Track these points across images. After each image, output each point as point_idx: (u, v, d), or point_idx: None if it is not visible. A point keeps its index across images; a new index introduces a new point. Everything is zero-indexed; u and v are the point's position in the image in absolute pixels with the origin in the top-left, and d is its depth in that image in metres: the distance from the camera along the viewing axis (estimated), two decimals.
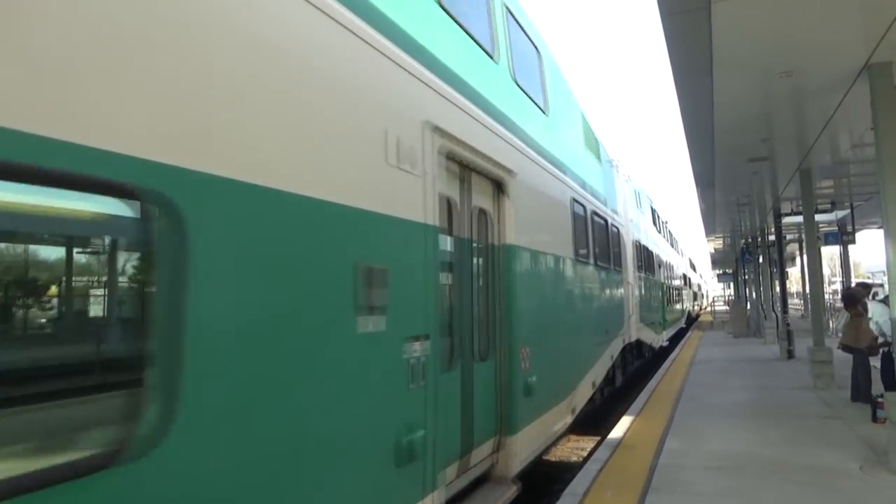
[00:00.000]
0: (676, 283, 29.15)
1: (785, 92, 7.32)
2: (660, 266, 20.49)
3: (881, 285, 34.64)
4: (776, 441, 7.24)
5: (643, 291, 15.51)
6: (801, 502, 5.16)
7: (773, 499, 5.27)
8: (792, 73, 6.66)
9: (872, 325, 8.93)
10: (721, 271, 51.39)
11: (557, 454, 9.45)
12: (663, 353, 18.83)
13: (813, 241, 12.84)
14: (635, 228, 15.00)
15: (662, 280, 20.97)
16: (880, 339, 8.69)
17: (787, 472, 6.01)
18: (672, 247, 28.91)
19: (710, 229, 25.58)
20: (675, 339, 24.32)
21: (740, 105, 7.87)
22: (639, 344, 14.40)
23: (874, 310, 9.08)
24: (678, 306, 29.12)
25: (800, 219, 14.61)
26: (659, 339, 18.17)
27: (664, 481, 5.85)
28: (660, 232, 22.36)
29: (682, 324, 30.39)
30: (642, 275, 15.43)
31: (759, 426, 8.05)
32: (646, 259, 16.78)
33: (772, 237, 19.66)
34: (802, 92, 7.32)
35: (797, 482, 5.67)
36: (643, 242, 16.39)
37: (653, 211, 20.65)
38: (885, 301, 8.92)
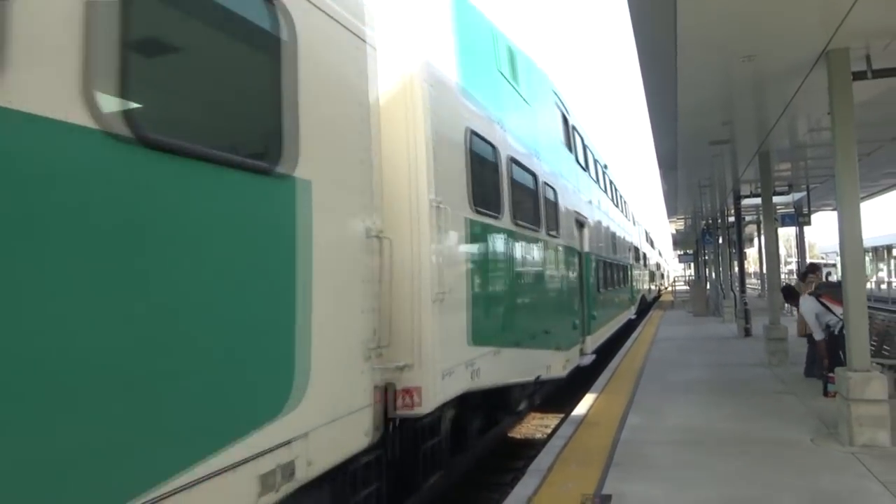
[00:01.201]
0: (620, 257, 19.91)
1: (747, 76, 7.45)
2: (582, 226, 12.28)
3: (834, 265, 35.76)
4: (733, 416, 7.49)
5: (521, 266, 7.65)
6: (755, 473, 5.37)
7: (730, 470, 5.48)
8: (754, 57, 6.78)
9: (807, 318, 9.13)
10: (682, 252, 52.40)
11: (522, 431, 9.63)
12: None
13: (770, 222, 13.20)
14: (487, 112, 6.84)
15: (587, 249, 12.63)
16: (818, 337, 8.90)
17: (743, 444, 6.24)
18: (617, 207, 20.65)
19: (672, 211, 26.01)
20: (627, 329, 19.28)
21: (704, 88, 7.98)
22: (490, 395, 6.64)
23: (802, 305, 9.32)
24: (624, 292, 20.27)
25: (758, 201, 14.99)
26: (570, 361, 10.10)
27: (626, 455, 6.02)
28: (587, 169, 13.99)
29: (632, 314, 22.57)
30: (513, 230, 7.28)
31: (717, 402, 8.32)
32: (533, 201, 8.51)
33: (731, 218, 20.11)
34: (763, 76, 7.46)
35: (752, 454, 5.89)
36: (519, 159, 7.79)
37: (568, 123, 11.88)
38: (815, 293, 9.24)
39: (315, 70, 3.65)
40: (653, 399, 8.64)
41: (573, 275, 10.88)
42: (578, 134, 13.22)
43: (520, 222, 7.51)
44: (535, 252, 8.34)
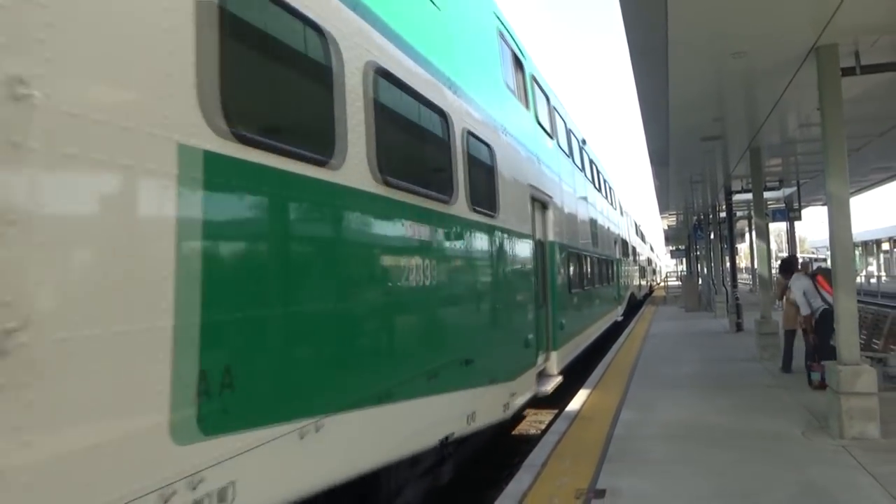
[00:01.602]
0: (604, 250, 16.80)
1: (737, 72, 7.50)
2: (545, 207, 9.60)
3: (825, 260, 35.93)
4: (724, 410, 7.55)
5: (401, 260, 4.61)
6: (747, 466, 5.42)
7: (722, 464, 5.52)
8: (744, 54, 6.82)
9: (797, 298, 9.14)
10: (674, 247, 52.62)
11: (517, 428, 9.66)
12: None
13: (761, 217, 13.29)
14: None
15: (552, 237, 9.84)
16: (804, 312, 8.89)
17: (735, 438, 6.29)
18: (599, 191, 17.57)
19: (664, 206, 26.13)
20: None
21: (694, 85, 8.02)
22: None
23: (793, 281, 9.31)
24: (608, 290, 17.30)
25: (749, 196, 15.09)
26: (519, 394, 7.43)
27: (620, 450, 6.06)
28: (554, 137, 11.04)
29: (619, 315, 20.12)
30: (371, 192, 4.15)
31: (709, 396, 8.38)
32: (441, 154, 5.58)
33: (723, 214, 20.21)
34: (754, 73, 7.51)
35: (744, 448, 5.94)
36: (400, 76, 4.71)
37: (522, 69, 9.12)
38: (809, 273, 9.33)
39: None
40: (646, 394, 8.69)
41: (526, 272, 7.96)
42: (541, 89, 10.22)
43: (395, 181, 4.41)
44: (442, 237, 5.31)
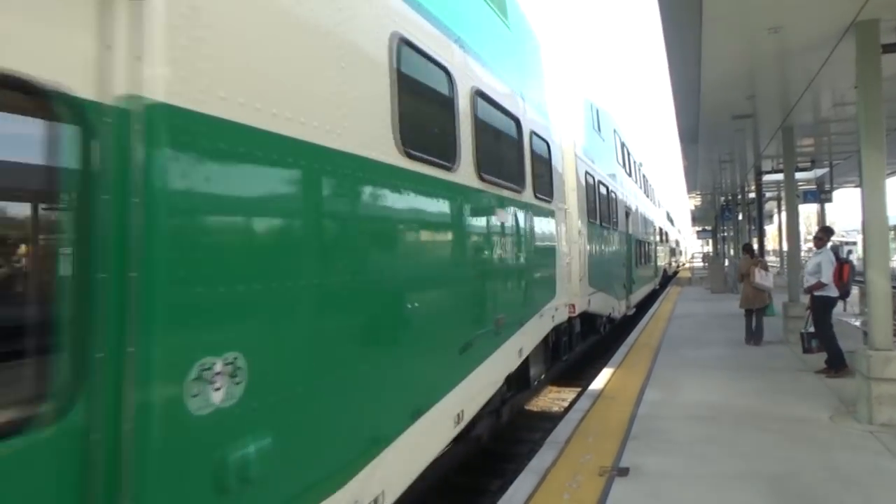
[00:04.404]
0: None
1: (772, 49, 7.33)
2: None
3: (854, 243, 35.16)
4: (751, 392, 7.49)
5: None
6: (774, 450, 5.38)
7: (748, 447, 5.50)
8: (780, 29, 6.65)
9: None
10: (700, 228, 51.92)
11: (539, 404, 9.71)
12: None
13: (792, 198, 13.03)
14: None
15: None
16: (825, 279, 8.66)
17: (761, 421, 6.25)
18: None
19: (691, 186, 25.79)
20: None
21: (728, 61, 7.87)
22: None
23: (824, 253, 8.91)
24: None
25: (779, 176, 14.83)
26: None
27: (644, 430, 6.06)
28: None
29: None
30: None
31: (735, 378, 8.32)
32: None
33: (751, 194, 19.88)
34: (789, 49, 7.34)
35: (771, 431, 5.90)
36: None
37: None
38: (836, 251, 9.23)
39: None
40: (670, 375, 8.66)
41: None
42: None
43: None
44: None
